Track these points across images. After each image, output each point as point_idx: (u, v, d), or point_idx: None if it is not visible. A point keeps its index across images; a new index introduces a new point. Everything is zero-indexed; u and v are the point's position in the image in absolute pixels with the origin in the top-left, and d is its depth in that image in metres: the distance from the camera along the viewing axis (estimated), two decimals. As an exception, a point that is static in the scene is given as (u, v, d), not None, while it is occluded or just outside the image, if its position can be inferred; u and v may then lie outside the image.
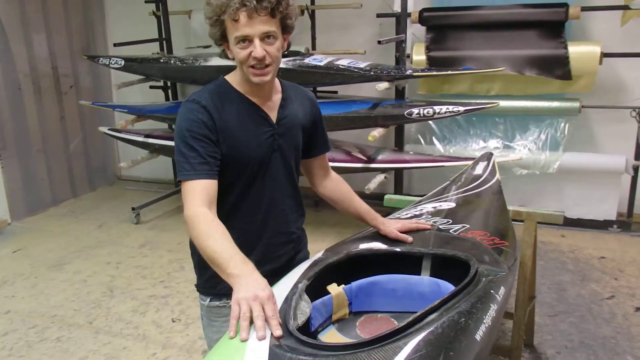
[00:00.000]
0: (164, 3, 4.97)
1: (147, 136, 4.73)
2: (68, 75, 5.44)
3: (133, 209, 4.85)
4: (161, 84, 5.23)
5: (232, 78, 1.69)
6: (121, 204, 5.37)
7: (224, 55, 1.66)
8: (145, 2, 5.01)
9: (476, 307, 1.44)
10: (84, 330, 3.21)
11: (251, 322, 1.31)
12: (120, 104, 5.04)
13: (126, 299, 3.56)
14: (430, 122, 4.48)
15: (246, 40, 1.53)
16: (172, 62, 4.50)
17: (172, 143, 4.46)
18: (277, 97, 1.74)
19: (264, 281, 1.40)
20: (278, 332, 1.29)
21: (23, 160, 5.06)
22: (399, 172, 4.35)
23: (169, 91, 5.27)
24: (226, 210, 1.64)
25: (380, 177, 4.01)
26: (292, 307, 1.41)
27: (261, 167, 1.70)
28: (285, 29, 1.61)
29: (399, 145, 4.38)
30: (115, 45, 4.70)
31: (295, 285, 1.53)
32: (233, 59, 1.61)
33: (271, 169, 1.72)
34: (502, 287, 1.62)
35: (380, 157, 4.05)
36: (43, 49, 5.18)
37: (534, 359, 2.82)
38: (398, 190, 4.32)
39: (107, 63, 4.80)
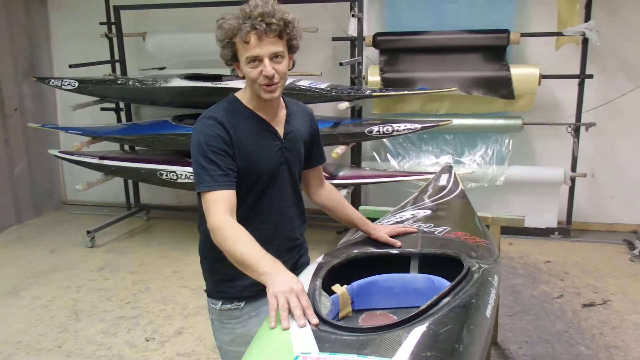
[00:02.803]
0: (118, 25, 5.05)
1: (102, 158, 4.74)
2: (13, 97, 5.36)
3: (88, 232, 4.82)
4: (113, 105, 5.26)
5: (242, 95, 1.82)
6: (71, 229, 5.31)
7: (233, 74, 1.80)
8: (100, 24, 5.07)
9: (481, 290, 1.64)
10: (54, 355, 3.20)
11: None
12: (72, 126, 5.03)
13: (94, 322, 3.56)
14: (384, 140, 4.75)
15: (256, 60, 1.67)
16: (130, 83, 4.57)
17: (128, 164, 4.63)
18: (283, 113, 1.88)
19: (295, 276, 1.53)
20: (315, 320, 1.40)
21: (-34, 186, 4.94)
22: (356, 187, 4.60)
23: (121, 113, 5.30)
24: (239, 219, 1.72)
25: (342, 192, 4.23)
26: (317, 301, 1.53)
27: (271, 179, 1.83)
28: (291, 48, 1.75)
29: (357, 162, 4.64)
30: (70, 66, 4.69)
31: (313, 283, 1.68)
32: (243, 78, 1.75)
33: (279, 180, 1.86)
34: (495, 275, 1.83)
35: (341, 174, 4.28)
36: (-12, 71, 5.11)
37: (499, 354, 3.09)
38: (356, 204, 4.50)
39: (59, 85, 4.79)
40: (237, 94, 1.84)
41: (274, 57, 1.68)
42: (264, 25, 1.63)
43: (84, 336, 3.39)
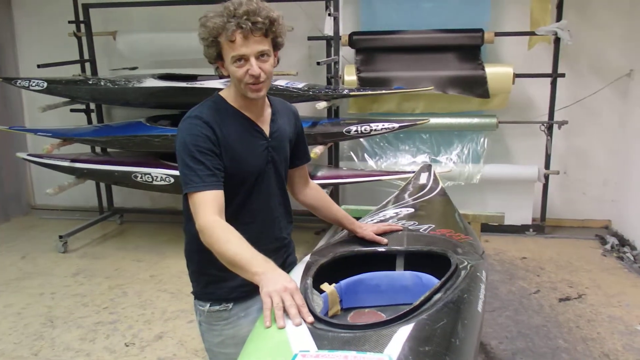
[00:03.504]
0: (87, 24, 5.00)
1: (73, 161, 4.69)
2: (-24, 99, 5.28)
3: (60, 237, 4.77)
4: (83, 106, 5.19)
5: (227, 94, 1.82)
6: (41, 234, 5.25)
7: (218, 73, 1.78)
8: (69, 22, 5.00)
9: (471, 285, 1.69)
10: (31, 362, 3.16)
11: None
12: (42, 128, 4.96)
13: (70, 328, 3.53)
14: (361, 139, 4.83)
15: (242, 59, 1.67)
16: (102, 83, 4.54)
17: (101, 167, 4.59)
18: (268, 112, 1.89)
19: (288, 275, 1.54)
20: (310, 318, 1.43)
21: None
22: (335, 187, 4.66)
23: (92, 114, 5.24)
24: (226, 219, 1.71)
25: (322, 193, 4.31)
26: (309, 300, 1.57)
27: (258, 179, 1.84)
28: (276, 46, 1.76)
29: (335, 162, 4.70)
30: (39, 66, 4.62)
31: (304, 282, 1.69)
32: (228, 76, 1.74)
33: (266, 180, 1.87)
34: (483, 271, 1.90)
35: (320, 174, 4.33)
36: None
37: (481, 349, 3.15)
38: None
39: (27, 85, 4.72)
40: (221, 93, 1.85)
41: (260, 55, 1.69)
42: (250, 24, 1.63)
43: (61, 343, 3.36)
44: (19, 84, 4.81)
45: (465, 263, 1.83)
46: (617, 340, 3.24)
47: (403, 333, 1.37)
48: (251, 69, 1.67)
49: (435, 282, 1.79)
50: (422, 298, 1.52)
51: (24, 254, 4.81)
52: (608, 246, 4.62)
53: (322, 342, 1.34)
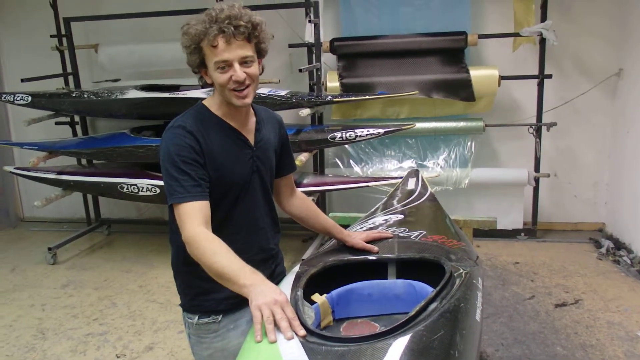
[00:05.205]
0: (69, 38, 5.30)
1: (59, 173, 4.97)
2: (-38, 113, 5.57)
3: (49, 249, 5.05)
4: (67, 119, 5.51)
5: (210, 102, 1.88)
6: (30, 246, 5.56)
7: (201, 82, 1.86)
8: (51, 36, 5.31)
9: (467, 294, 1.72)
10: (22, 375, 3.38)
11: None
12: (28, 142, 5.25)
13: (61, 340, 3.75)
14: (346, 145, 5.08)
15: (225, 65, 1.73)
16: (85, 96, 4.82)
17: (87, 179, 4.88)
18: (252, 121, 1.96)
19: (277, 287, 1.59)
20: (302, 331, 1.46)
21: None
22: (321, 194, 4.92)
23: (77, 126, 5.54)
24: (212, 230, 1.76)
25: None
26: (300, 312, 1.60)
27: (243, 189, 1.91)
28: (260, 52, 1.81)
29: (320, 169, 4.97)
30: (22, 80, 4.88)
31: (295, 294, 1.74)
32: (210, 85, 1.83)
33: (251, 190, 1.93)
34: (479, 278, 1.95)
35: (305, 181, 4.58)
36: None
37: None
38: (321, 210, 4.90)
39: (12, 99, 5.01)
40: (205, 102, 1.90)
41: (244, 62, 1.75)
42: (232, 28, 1.69)
43: (52, 355, 3.57)
44: (4, 98, 5.10)
45: (460, 270, 1.87)
46: (618, 347, 3.31)
47: (399, 345, 1.41)
48: (235, 74, 1.73)
49: (428, 290, 1.86)
50: (417, 308, 1.55)
51: (14, 266, 5.11)
52: (603, 249, 4.76)
53: (315, 357, 1.38)
